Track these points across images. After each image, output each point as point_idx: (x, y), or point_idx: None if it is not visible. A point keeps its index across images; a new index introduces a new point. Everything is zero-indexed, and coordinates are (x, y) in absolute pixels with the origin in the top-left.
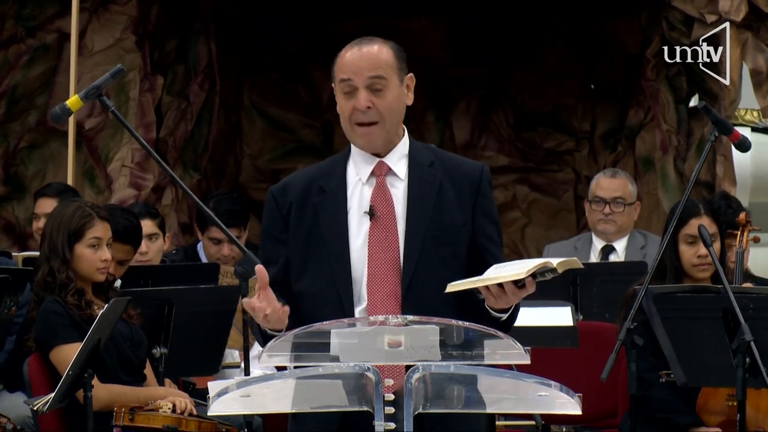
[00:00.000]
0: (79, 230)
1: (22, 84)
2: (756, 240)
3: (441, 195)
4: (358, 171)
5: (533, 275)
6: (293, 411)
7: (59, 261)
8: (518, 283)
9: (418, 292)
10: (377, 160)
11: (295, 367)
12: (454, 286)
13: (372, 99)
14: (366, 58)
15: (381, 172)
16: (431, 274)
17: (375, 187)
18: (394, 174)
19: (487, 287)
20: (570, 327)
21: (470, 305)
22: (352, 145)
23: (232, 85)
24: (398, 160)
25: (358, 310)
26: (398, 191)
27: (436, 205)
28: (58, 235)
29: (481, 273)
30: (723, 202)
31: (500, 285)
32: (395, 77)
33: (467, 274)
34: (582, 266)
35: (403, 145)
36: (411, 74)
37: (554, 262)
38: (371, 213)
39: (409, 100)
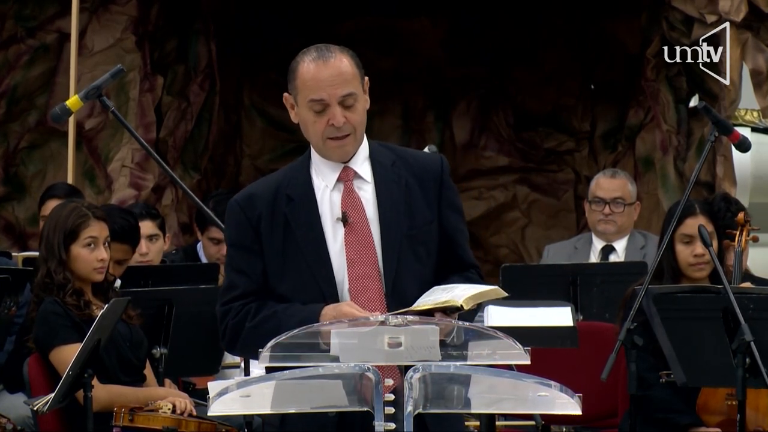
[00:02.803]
0: (74, 230)
1: (22, 84)
2: (755, 240)
3: (408, 193)
4: (323, 178)
5: (444, 312)
6: (293, 411)
7: (56, 262)
8: (446, 311)
9: (402, 293)
10: (342, 165)
11: (294, 368)
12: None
13: (345, 114)
14: (335, 75)
15: (348, 177)
16: (411, 274)
17: (344, 192)
18: (360, 177)
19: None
20: (570, 327)
21: None
22: (312, 152)
23: (232, 85)
24: (362, 163)
25: None
26: (367, 194)
27: (405, 204)
28: (54, 235)
29: (452, 268)
30: (723, 204)
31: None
32: (360, 88)
33: (438, 270)
34: (504, 294)
35: (364, 147)
36: (367, 77)
37: (459, 300)
38: (344, 219)
39: (368, 103)
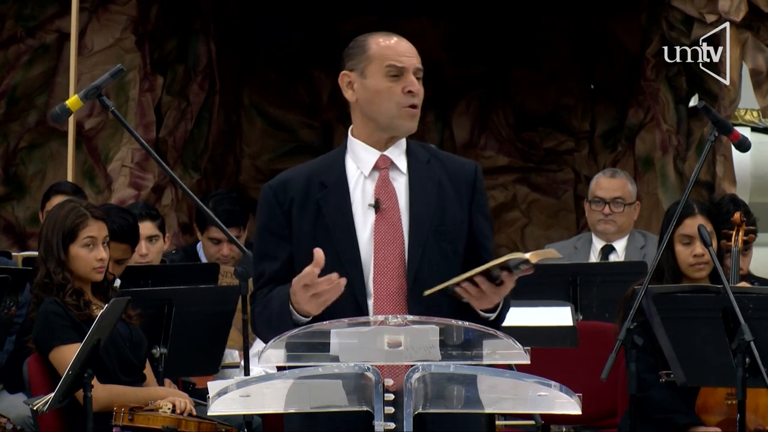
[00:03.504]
0: (72, 230)
1: (22, 84)
2: (751, 239)
3: (441, 191)
4: (359, 164)
5: (509, 269)
6: (292, 411)
7: (55, 262)
8: (496, 281)
9: (424, 287)
10: (379, 153)
11: (294, 367)
12: (430, 291)
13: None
14: (411, 49)
15: (384, 165)
16: (435, 269)
17: (378, 180)
18: (397, 168)
19: (465, 289)
20: (570, 327)
21: (465, 303)
22: (351, 139)
23: (232, 85)
24: (399, 155)
25: (369, 304)
26: (400, 185)
27: (437, 200)
28: (53, 236)
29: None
30: (731, 205)
31: (477, 285)
32: None
33: (464, 272)
34: (560, 256)
35: (402, 141)
36: None
37: (527, 254)
38: (376, 206)
39: None
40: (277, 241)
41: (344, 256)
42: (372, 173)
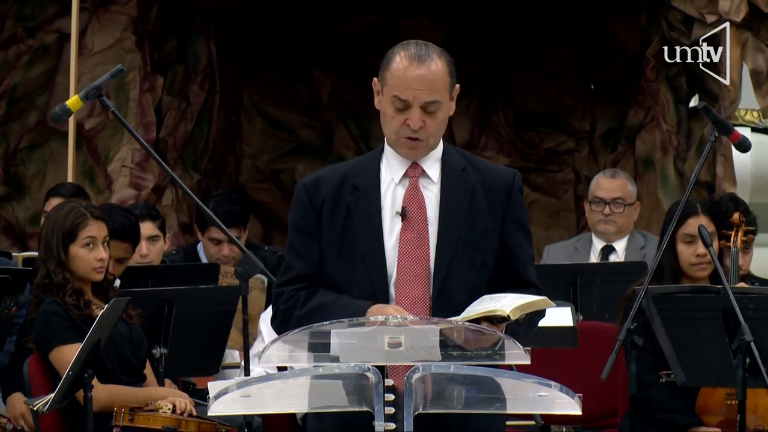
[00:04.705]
0: (72, 231)
1: (22, 84)
2: (750, 240)
3: (473, 200)
4: (391, 171)
5: (490, 320)
6: (292, 411)
7: (55, 262)
8: (493, 321)
9: (449, 296)
10: (411, 161)
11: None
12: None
13: (424, 119)
14: (426, 80)
15: (414, 174)
16: (461, 279)
17: (408, 188)
18: (427, 176)
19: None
20: (570, 327)
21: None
22: (386, 144)
23: (232, 85)
24: (432, 164)
25: None
26: (431, 194)
27: (468, 209)
28: (53, 236)
29: (509, 283)
30: (731, 204)
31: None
32: (447, 96)
33: (494, 282)
34: (554, 305)
35: (438, 149)
36: (457, 84)
37: (507, 310)
38: (403, 214)
39: (452, 110)
40: (307, 239)
41: (369, 262)
42: (402, 180)
